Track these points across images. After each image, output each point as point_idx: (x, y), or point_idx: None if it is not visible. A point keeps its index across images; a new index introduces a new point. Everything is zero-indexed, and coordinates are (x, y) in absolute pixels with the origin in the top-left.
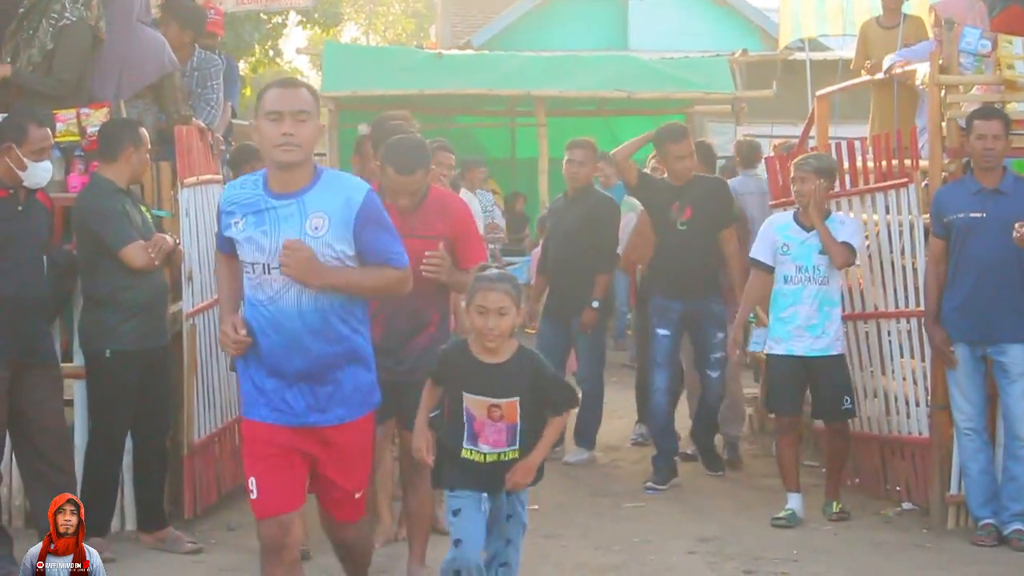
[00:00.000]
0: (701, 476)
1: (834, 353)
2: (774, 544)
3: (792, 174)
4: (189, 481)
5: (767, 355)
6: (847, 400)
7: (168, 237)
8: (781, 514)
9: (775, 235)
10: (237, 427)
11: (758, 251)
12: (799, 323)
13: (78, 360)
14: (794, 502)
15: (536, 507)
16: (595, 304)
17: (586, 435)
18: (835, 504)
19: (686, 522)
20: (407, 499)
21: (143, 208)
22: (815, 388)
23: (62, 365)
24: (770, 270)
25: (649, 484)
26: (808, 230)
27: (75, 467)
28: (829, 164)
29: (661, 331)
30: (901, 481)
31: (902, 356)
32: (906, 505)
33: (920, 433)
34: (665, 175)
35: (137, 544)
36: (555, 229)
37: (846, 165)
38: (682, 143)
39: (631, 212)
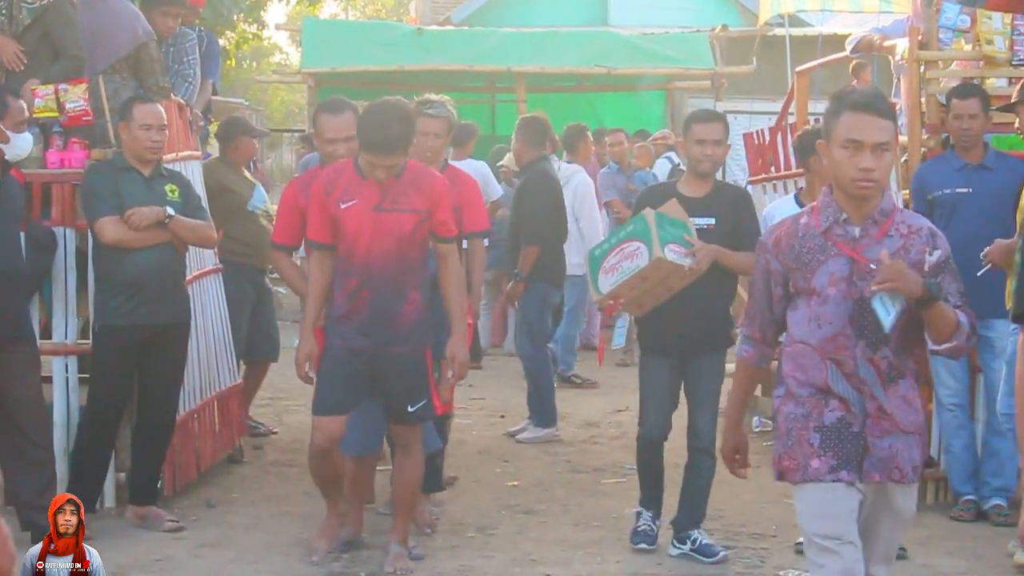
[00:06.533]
0: (681, 453)
1: None
2: (753, 519)
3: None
4: (169, 458)
5: None
6: None
7: (147, 209)
8: None
9: None
10: (216, 404)
11: None
12: None
13: (57, 337)
14: None
15: (516, 483)
16: (517, 275)
17: (541, 412)
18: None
19: (666, 498)
20: (396, 477)
21: (169, 188)
22: None
23: (41, 342)
24: None
25: None
26: None
27: (53, 444)
28: None
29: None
30: None
31: None
32: None
33: None
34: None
35: (118, 521)
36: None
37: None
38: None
39: None
